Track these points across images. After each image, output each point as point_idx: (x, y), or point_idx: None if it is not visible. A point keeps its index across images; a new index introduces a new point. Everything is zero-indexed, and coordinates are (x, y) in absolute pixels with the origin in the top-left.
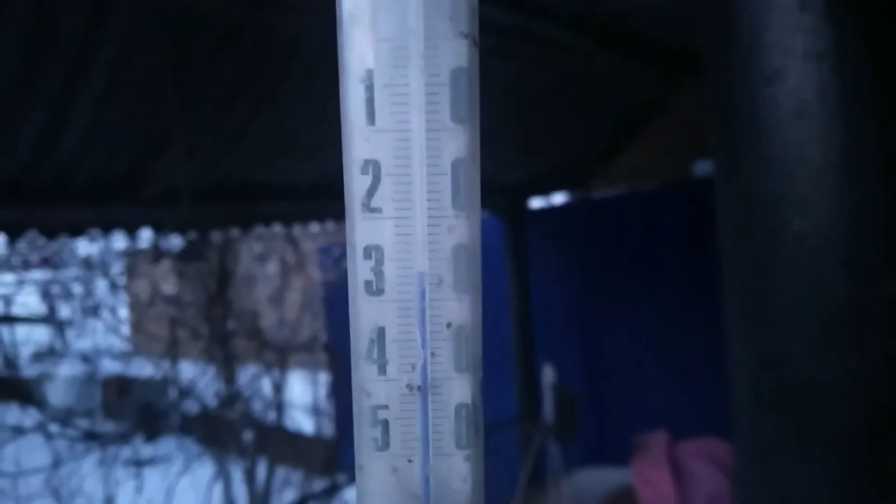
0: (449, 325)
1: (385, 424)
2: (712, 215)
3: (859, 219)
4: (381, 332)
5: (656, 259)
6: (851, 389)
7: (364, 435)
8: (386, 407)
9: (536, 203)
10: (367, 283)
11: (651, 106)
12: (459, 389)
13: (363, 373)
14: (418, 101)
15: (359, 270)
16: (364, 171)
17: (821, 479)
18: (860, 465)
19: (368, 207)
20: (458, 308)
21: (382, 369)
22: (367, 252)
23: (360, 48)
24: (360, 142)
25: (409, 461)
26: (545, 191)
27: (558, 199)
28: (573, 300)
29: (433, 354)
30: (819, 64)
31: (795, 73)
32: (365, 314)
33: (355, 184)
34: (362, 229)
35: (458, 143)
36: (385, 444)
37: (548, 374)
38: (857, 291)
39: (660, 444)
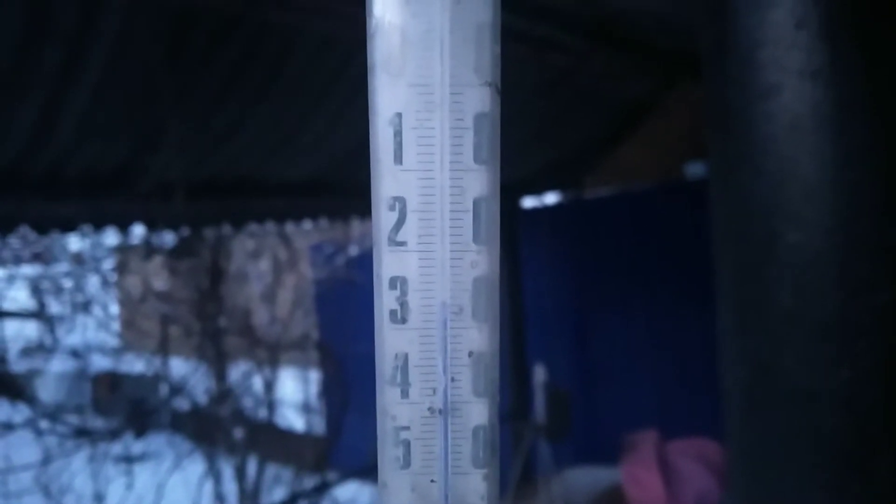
0: (470, 354)
1: (407, 445)
2: (704, 216)
3: (852, 231)
4: (404, 358)
5: (648, 259)
6: (843, 398)
7: (387, 454)
8: (408, 428)
9: (529, 202)
10: (392, 312)
11: (644, 106)
12: (477, 412)
13: (387, 396)
14: (443, 143)
15: (384, 300)
16: (391, 208)
17: (812, 488)
18: (852, 473)
19: (394, 241)
20: (478, 336)
21: (405, 393)
22: (393, 283)
23: (390, 93)
24: (389, 180)
25: (432, 481)
26: (538, 190)
27: (551, 198)
28: (565, 299)
29: (453, 379)
30: (814, 80)
31: (790, 89)
32: (390, 341)
33: (383, 219)
34: (388, 261)
35: (480, 182)
36: (407, 463)
37: (539, 374)
38: (849, 302)
39: (649, 443)
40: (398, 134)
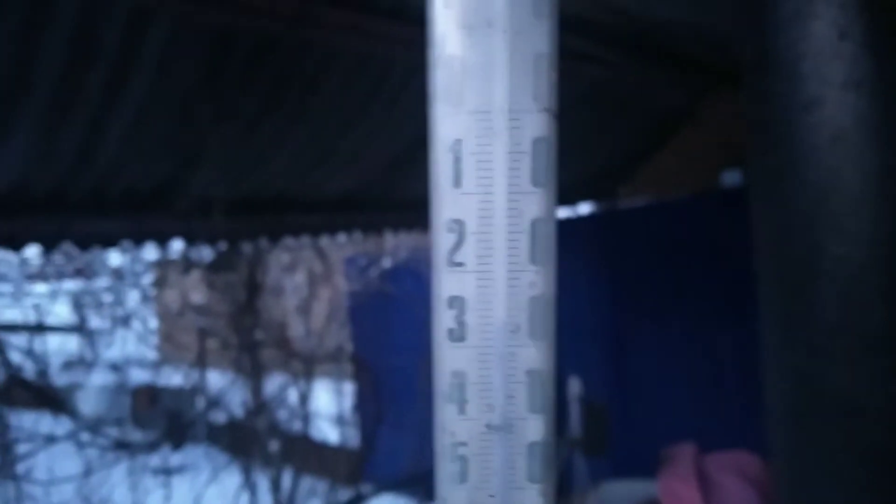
0: (527, 372)
1: (464, 460)
2: (740, 226)
3: None
4: (462, 376)
5: (684, 269)
6: (892, 413)
7: (446, 469)
8: (465, 444)
9: (563, 213)
10: (451, 331)
11: (679, 115)
12: (534, 429)
13: (445, 412)
14: (502, 168)
15: (443, 319)
16: (450, 230)
17: (859, 503)
18: None
19: (453, 262)
20: (534, 354)
21: (462, 409)
22: (451, 302)
23: (451, 121)
24: (448, 203)
25: (490, 496)
26: (572, 201)
27: (585, 208)
28: (600, 311)
29: (510, 396)
30: (857, 92)
31: (833, 101)
32: (448, 359)
33: (442, 240)
34: (447, 281)
35: (537, 204)
36: (464, 478)
37: (574, 387)
38: (895, 315)
39: (687, 456)
40: (458, 160)
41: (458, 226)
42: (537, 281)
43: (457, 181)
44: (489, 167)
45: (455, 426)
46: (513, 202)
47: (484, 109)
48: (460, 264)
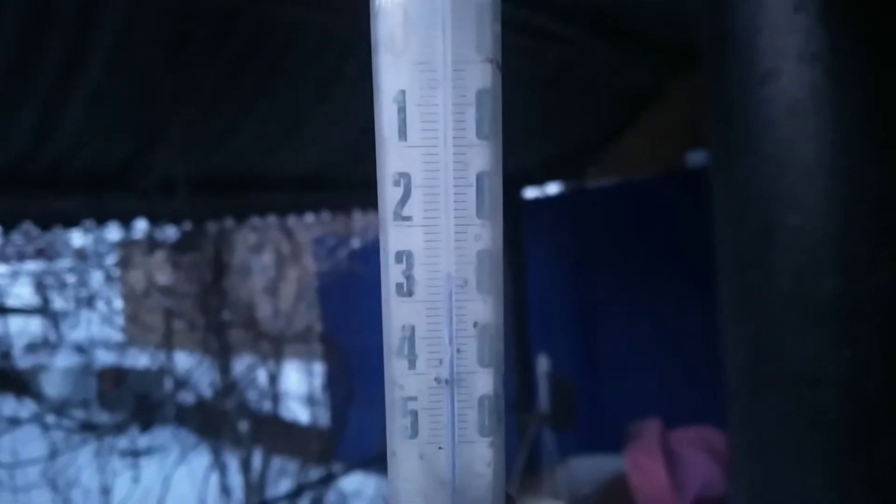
0: (475, 325)
1: (415, 414)
2: (706, 205)
3: (850, 215)
4: (411, 330)
5: (650, 248)
6: (844, 381)
7: (396, 424)
8: (415, 398)
9: (531, 193)
10: (399, 286)
11: (645, 96)
12: (483, 382)
13: (395, 367)
14: (446, 120)
15: (391, 273)
16: (396, 183)
17: (814, 471)
18: (853, 455)
19: (400, 216)
20: (482, 308)
21: (413, 364)
22: (399, 257)
23: (394, 71)
24: (393, 156)
25: (439, 448)
26: (540, 181)
27: (553, 189)
28: (568, 289)
29: (459, 350)
30: (812, 64)
31: (789, 74)
32: (396, 314)
33: (388, 194)
34: (394, 236)
35: (482, 157)
36: (415, 433)
37: (542, 363)
38: (849, 285)
39: (653, 432)
40: (402, 111)
41: (405, 179)
42: (484, 234)
43: (402, 133)
44: (434, 119)
45: (404, 380)
46: (459, 155)
47: (427, 60)
48: (407, 218)
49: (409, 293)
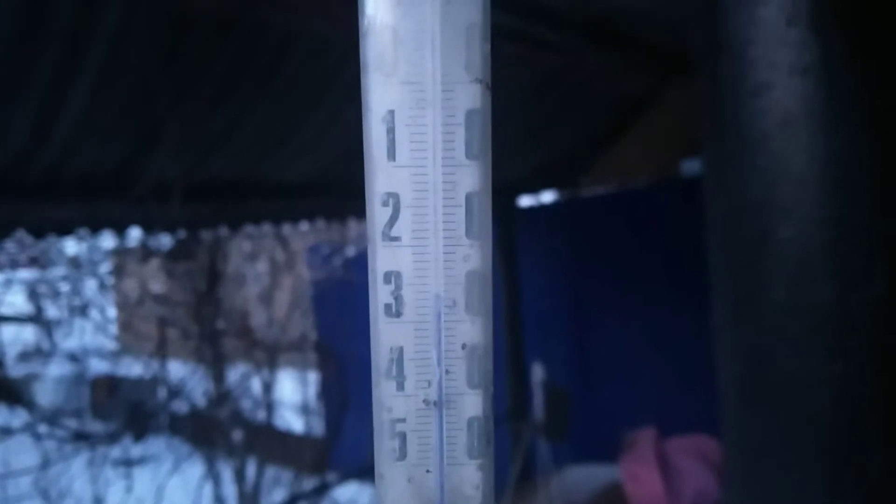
0: (464, 347)
1: (403, 436)
2: (700, 213)
3: (843, 225)
4: (399, 352)
5: (645, 257)
6: (837, 390)
7: (384, 446)
8: (404, 420)
9: (525, 201)
10: (387, 306)
11: (639, 104)
12: (472, 404)
13: (383, 389)
14: (435, 140)
15: (379, 294)
16: (385, 203)
17: (807, 478)
18: (845, 463)
19: (389, 236)
20: (471, 329)
21: (401, 386)
22: (387, 277)
23: (383, 90)
24: (382, 176)
25: (427, 471)
26: (534, 189)
27: (547, 197)
28: (562, 298)
29: (448, 372)
30: (804, 77)
31: (781, 86)
32: (385, 335)
33: (377, 214)
34: (383, 256)
35: (471, 178)
36: (403, 455)
37: (537, 372)
38: (841, 295)
39: (648, 440)
40: (391, 131)
41: (393, 199)
42: (473, 255)
43: (390, 153)
44: (423, 139)
45: (393, 402)
46: (448, 175)
47: (416, 80)
48: (396, 238)
49: (398, 314)
